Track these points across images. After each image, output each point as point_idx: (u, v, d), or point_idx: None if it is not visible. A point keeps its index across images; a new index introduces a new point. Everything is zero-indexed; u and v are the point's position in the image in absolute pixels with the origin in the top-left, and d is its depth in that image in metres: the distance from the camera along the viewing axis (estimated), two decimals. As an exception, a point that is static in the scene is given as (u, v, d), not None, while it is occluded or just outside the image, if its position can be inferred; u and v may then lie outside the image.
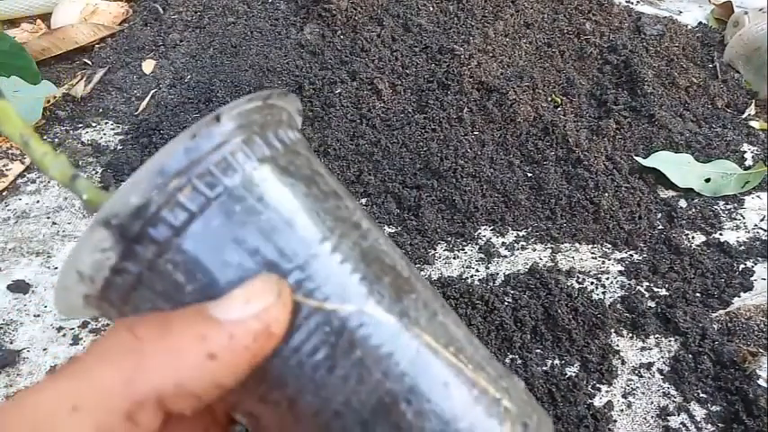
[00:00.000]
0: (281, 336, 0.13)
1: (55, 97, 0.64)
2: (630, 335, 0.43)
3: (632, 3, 0.76)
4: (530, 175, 0.54)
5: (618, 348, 0.42)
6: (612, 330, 0.43)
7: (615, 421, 0.38)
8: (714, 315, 0.44)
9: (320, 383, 0.14)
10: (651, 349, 0.42)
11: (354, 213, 0.16)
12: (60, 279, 0.15)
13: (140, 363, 0.12)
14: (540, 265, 0.47)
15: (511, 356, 0.41)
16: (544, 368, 0.40)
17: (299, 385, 0.14)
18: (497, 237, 0.50)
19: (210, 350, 0.13)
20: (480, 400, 0.15)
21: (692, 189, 0.53)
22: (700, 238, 0.50)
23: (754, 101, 0.62)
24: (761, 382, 0.39)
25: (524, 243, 0.50)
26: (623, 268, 0.48)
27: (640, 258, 0.48)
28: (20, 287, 0.46)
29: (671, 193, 0.54)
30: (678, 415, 0.38)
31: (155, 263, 0.14)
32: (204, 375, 0.12)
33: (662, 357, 0.41)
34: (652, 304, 0.45)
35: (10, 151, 0.58)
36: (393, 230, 0.50)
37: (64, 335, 0.43)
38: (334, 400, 0.14)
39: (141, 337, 0.13)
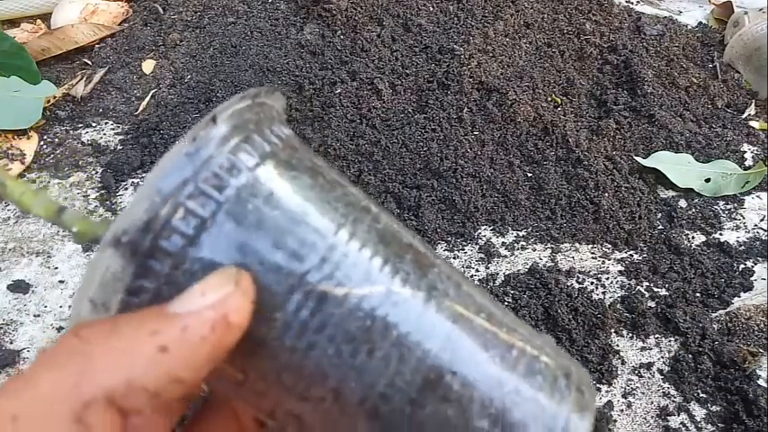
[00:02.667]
0: (242, 325, 0.13)
1: (55, 97, 0.64)
2: (630, 335, 0.43)
3: (632, 3, 0.76)
4: (530, 175, 0.54)
5: (618, 348, 0.42)
6: (612, 330, 0.43)
7: (615, 421, 0.38)
8: (714, 315, 0.44)
9: (362, 369, 0.14)
10: (651, 349, 0.42)
11: (361, 199, 0.16)
12: (74, 309, 0.14)
13: (87, 364, 0.12)
14: (540, 265, 0.47)
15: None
16: (544, 368, 0.40)
17: (340, 375, 0.14)
18: (497, 237, 0.50)
19: (161, 343, 0.12)
20: (520, 359, 0.15)
21: (692, 189, 0.53)
22: (700, 238, 0.50)
23: (754, 101, 0.62)
24: (761, 382, 0.39)
25: (524, 243, 0.50)
26: (623, 268, 0.48)
27: (640, 258, 0.48)
28: (20, 287, 0.46)
29: (671, 193, 0.54)
30: (678, 415, 0.38)
31: (171, 276, 0.13)
32: (157, 369, 0.12)
33: (662, 357, 0.41)
34: (652, 304, 0.45)
35: (10, 151, 0.58)
36: (393, 230, 0.50)
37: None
38: (379, 384, 0.14)
39: (88, 340, 0.12)
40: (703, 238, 0.50)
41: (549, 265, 0.47)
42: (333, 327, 0.14)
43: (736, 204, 0.53)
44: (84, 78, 0.66)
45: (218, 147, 0.14)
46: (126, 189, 0.55)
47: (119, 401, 0.12)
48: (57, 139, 0.60)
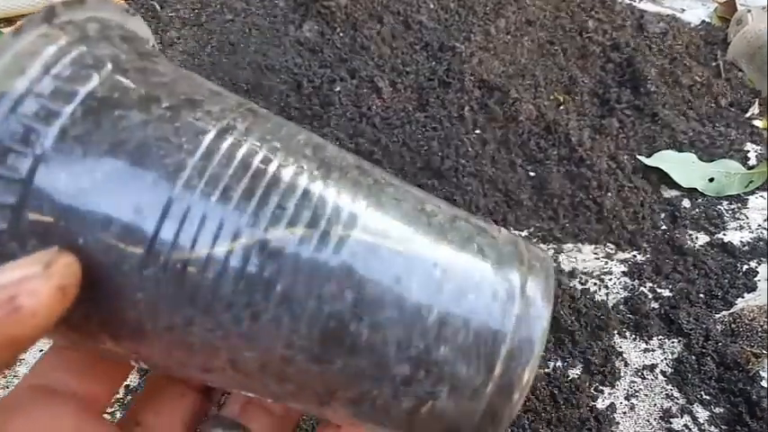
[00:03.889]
0: (38, 311, 0.11)
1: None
2: (634, 336, 0.42)
3: (635, 1, 0.75)
4: (532, 174, 0.54)
5: (621, 350, 0.42)
6: (615, 332, 0.42)
7: (618, 423, 0.38)
8: (717, 316, 0.43)
9: (251, 336, 0.12)
10: (654, 351, 0.42)
11: (229, 107, 0.13)
12: None
13: None
14: (543, 265, 0.47)
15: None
16: (546, 370, 0.40)
17: (229, 346, 0.12)
18: (499, 237, 0.50)
19: None
20: (449, 278, 0.12)
21: (695, 189, 0.53)
22: (703, 239, 0.49)
23: (757, 99, 0.62)
24: (764, 383, 0.38)
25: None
26: (626, 269, 0.47)
27: (644, 259, 0.48)
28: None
29: (674, 192, 0.53)
30: (681, 417, 0.38)
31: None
32: None
33: (665, 359, 0.41)
34: (655, 305, 0.44)
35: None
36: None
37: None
38: (276, 348, 0.12)
39: None
40: (707, 239, 0.49)
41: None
42: (203, 297, 0.12)
43: (739, 204, 0.53)
44: (82, 76, 0.66)
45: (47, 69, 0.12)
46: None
47: None
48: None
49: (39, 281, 0.11)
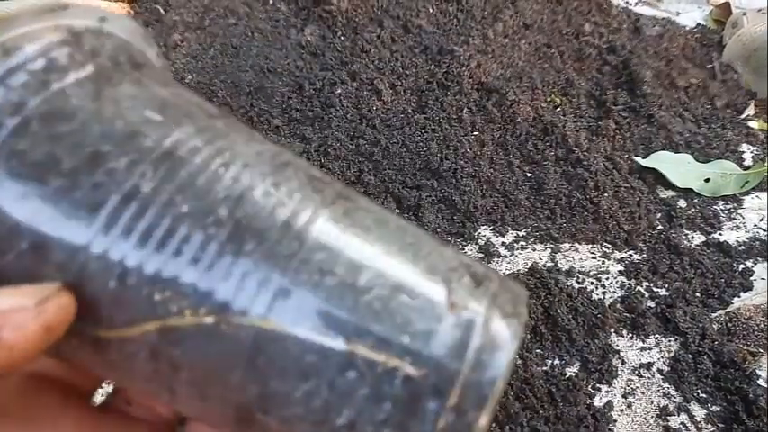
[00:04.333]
0: (17, 346, 0.11)
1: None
2: (630, 335, 0.43)
3: (631, 4, 0.76)
4: (529, 175, 0.55)
5: (618, 348, 0.42)
6: (612, 330, 0.43)
7: (615, 421, 0.38)
8: (714, 315, 0.44)
9: (175, 402, 0.12)
10: (651, 349, 0.42)
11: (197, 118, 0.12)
12: None
13: None
14: (540, 265, 0.47)
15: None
16: (544, 368, 0.40)
17: (161, 402, 0.13)
18: (497, 237, 0.50)
19: None
20: (363, 377, 0.10)
21: (691, 189, 0.53)
22: (699, 238, 0.50)
23: (753, 101, 0.62)
24: (761, 382, 0.39)
25: (524, 243, 0.50)
26: (623, 268, 0.48)
27: (640, 258, 0.48)
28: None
29: (670, 193, 0.54)
30: (678, 415, 0.38)
31: None
32: None
33: (662, 357, 0.41)
34: (652, 304, 0.45)
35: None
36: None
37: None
38: (198, 417, 0.12)
39: None
40: (703, 238, 0.50)
41: (548, 265, 0.47)
42: (121, 367, 0.12)
43: (735, 204, 0.53)
44: (85, 79, 0.67)
45: None
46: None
47: None
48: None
49: (27, 315, 0.11)
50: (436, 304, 0.11)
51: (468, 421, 0.11)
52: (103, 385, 0.17)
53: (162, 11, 0.76)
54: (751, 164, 0.56)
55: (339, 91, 0.61)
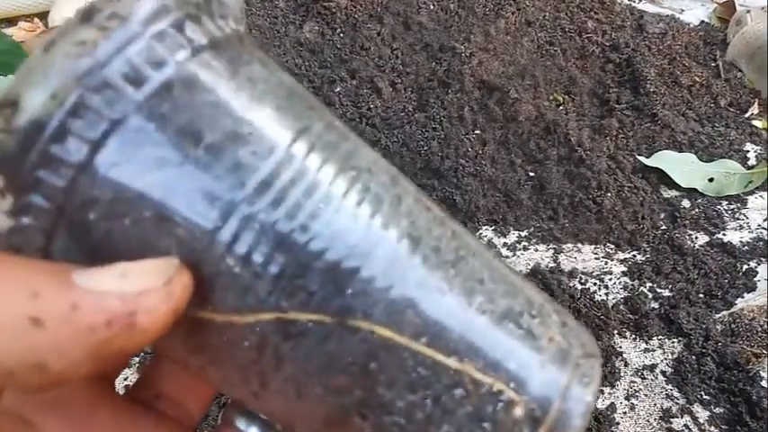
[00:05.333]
0: (150, 330, 0.10)
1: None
2: (633, 336, 0.43)
3: (634, 1, 0.75)
4: (531, 174, 0.54)
5: (621, 350, 0.42)
6: (615, 332, 0.42)
7: (618, 423, 0.38)
8: (717, 316, 0.43)
9: (260, 397, 0.12)
10: (654, 351, 0.42)
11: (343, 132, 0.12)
12: None
13: None
14: (543, 265, 0.47)
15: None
16: (546, 370, 0.40)
17: (242, 395, 0.12)
18: (499, 237, 0.50)
19: (36, 313, 0.09)
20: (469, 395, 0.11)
21: (695, 189, 0.53)
22: (703, 239, 0.49)
23: (756, 100, 0.62)
24: (764, 383, 0.38)
25: (526, 243, 0.49)
26: (626, 269, 0.47)
27: (643, 259, 0.48)
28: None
29: (674, 192, 0.53)
30: (681, 417, 0.38)
31: (70, 197, 0.10)
32: (20, 344, 0.09)
33: (665, 359, 0.41)
34: (655, 305, 0.44)
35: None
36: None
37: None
38: (281, 415, 0.12)
39: None
40: (706, 239, 0.49)
41: (551, 265, 0.47)
42: (219, 350, 0.11)
43: (739, 204, 0.53)
44: (82, 77, 0.66)
45: (140, 28, 0.10)
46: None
47: None
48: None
49: (158, 298, 0.10)
50: (537, 336, 0.12)
51: None
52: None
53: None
54: (755, 163, 0.56)
55: (338, 89, 0.60)
